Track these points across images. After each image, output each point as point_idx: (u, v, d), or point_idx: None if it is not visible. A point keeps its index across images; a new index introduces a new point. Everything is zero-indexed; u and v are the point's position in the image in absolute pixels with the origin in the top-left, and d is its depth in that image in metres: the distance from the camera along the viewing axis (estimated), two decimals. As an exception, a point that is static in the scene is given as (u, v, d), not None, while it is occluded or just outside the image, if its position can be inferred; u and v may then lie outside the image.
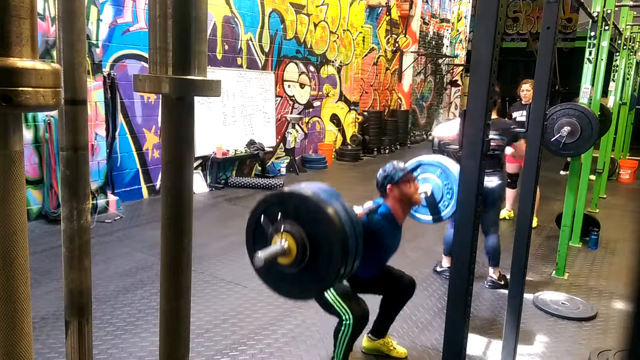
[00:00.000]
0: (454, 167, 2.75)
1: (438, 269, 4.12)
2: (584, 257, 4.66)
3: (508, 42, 17.47)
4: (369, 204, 2.55)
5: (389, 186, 2.50)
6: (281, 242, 1.70)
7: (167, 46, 0.86)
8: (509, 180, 5.67)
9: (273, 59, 7.79)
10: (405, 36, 11.44)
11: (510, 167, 5.59)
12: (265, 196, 1.85)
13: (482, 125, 1.55)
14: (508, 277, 3.16)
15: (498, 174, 3.70)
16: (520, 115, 5.31)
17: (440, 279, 3.95)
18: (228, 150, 6.89)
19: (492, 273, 3.86)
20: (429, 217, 2.87)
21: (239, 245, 4.49)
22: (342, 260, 1.70)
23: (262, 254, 1.63)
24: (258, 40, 7.44)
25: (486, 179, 3.44)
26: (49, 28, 4.73)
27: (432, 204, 2.82)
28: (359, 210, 2.39)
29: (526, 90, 5.25)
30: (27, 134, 4.73)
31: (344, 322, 2.38)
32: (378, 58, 10.91)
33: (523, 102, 5.31)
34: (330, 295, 2.39)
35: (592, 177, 5.91)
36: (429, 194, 2.76)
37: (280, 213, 1.74)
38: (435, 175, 2.80)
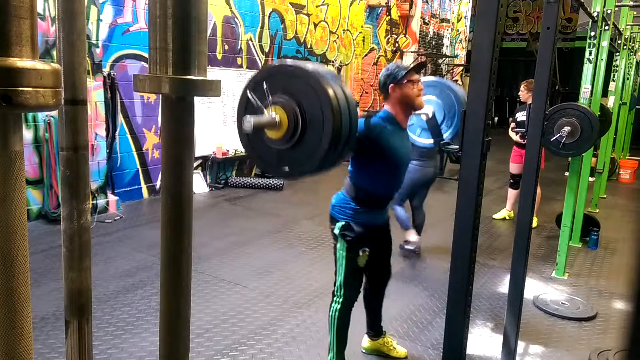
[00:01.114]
0: (455, 87, 2.66)
1: (406, 246, 4.29)
2: (584, 257, 4.66)
3: (508, 42, 17.48)
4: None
5: (391, 86, 2.34)
6: (272, 114, 1.67)
7: (167, 46, 0.86)
8: (511, 180, 5.68)
9: (273, 59, 7.79)
10: (405, 36, 11.44)
11: (513, 168, 5.60)
12: (263, 67, 1.82)
13: (482, 126, 1.55)
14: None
15: (434, 160, 4.37)
16: (521, 116, 5.31)
17: (441, 280, 3.95)
18: (228, 150, 6.89)
19: (411, 237, 4.37)
20: (430, 140, 2.77)
21: (239, 245, 4.51)
22: (331, 145, 1.65)
23: (251, 119, 1.59)
24: (258, 40, 7.44)
25: (427, 164, 4.20)
26: (49, 28, 4.73)
27: (434, 126, 2.67)
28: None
29: (520, 92, 5.30)
30: (27, 134, 4.73)
31: (334, 299, 2.44)
32: (378, 58, 10.91)
33: (522, 101, 5.33)
34: (341, 264, 2.39)
35: (591, 178, 5.91)
36: (430, 115, 2.62)
37: (275, 85, 1.69)
38: (434, 96, 2.68)
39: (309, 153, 1.69)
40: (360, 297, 2.57)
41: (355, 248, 2.37)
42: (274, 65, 1.79)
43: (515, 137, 5.50)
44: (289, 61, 1.78)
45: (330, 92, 1.63)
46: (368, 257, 2.42)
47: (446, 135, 2.70)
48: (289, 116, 1.65)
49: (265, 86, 1.69)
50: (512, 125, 5.53)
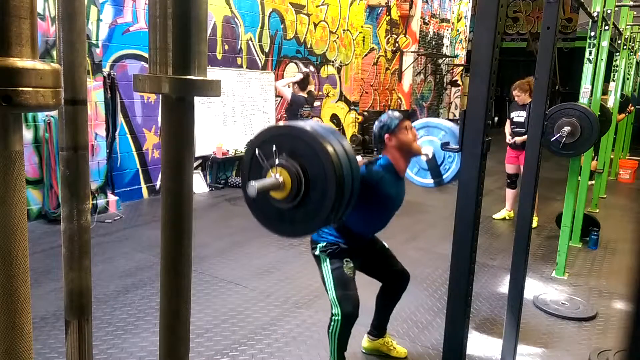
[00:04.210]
0: (457, 131, 2.70)
1: None
2: (584, 257, 4.66)
3: (508, 42, 17.49)
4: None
5: (386, 136, 2.42)
6: (276, 176, 1.70)
7: (167, 46, 0.86)
8: (508, 180, 5.69)
9: (273, 59, 7.79)
10: (405, 36, 11.44)
11: (510, 168, 5.61)
12: (262, 130, 1.83)
13: (482, 126, 1.55)
14: None
15: None
16: (517, 116, 5.32)
17: (440, 279, 3.95)
18: (228, 150, 6.89)
19: None
20: (430, 181, 2.82)
21: (239, 245, 4.51)
22: (336, 200, 1.68)
23: (255, 183, 1.62)
24: (258, 40, 7.44)
25: None
26: (49, 28, 4.73)
27: (434, 167, 2.74)
28: (358, 159, 2.36)
29: (516, 95, 5.30)
30: (27, 134, 4.73)
31: (333, 318, 2.39)
32: (378, 58, 10.91)
33: (520, 104, 5.32)
34: (328, 280, 2.39)
35: (591, 182, 5.91)
36: (430, 156, 2.68)
37: (275, 147, 1.72)
38: (438, 137, 2.73)
39: (313, 211, 1.72)
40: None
41: (338, 258, 2.40)
42: (273, 127, 1.82)
43: (509, 138, 5.51)
44: (289, 122, 1.83)
45: (330, 149, 1.66)
46: (354, 267, 2.43)
47: (446, 175, 2.74)
48: (292, 177, 1.68)
49: (274, 149, 1.73)
50: (508, 125, 5.52)
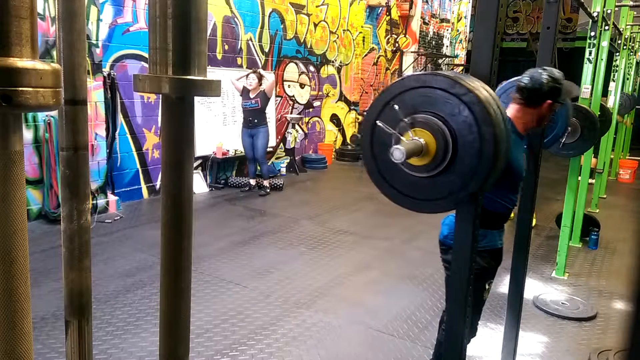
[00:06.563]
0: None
1: (262, 192, 6.42)
2: (584, 257, 4.66)
3: (508, 42, 17.48)
4: None
5: (549, 101, 2.03)
6: (416, 139, 1.36)
7: (167, 46, 0.86)
8: None
9: (273, 59, 7.79)
10: (405, 36, 11.43)
11: None
12: (402, 78, 1.46)
13: (482, 125, 1.55)
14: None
15: (265, 126, 6.51)
16: None
17: (440, 280, 3.95)
18: (228, 150, 6.89)
19: (267, 183, 6.55)
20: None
21: (239, 245, 4.51)
22: (493, 165, 1.32)
23: (402, 146, 1.30)
24: (258, 40, 7.44)
25: (259, 129, 6.41)
26: (49, 28, 4.73)
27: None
28: None
29: None
30: (27, 134, 4.72)
31: (442, 333, 2.20)
32: (378, 58, 10.91)
33: None
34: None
35: (591, 180, 5.90)
36: None
37: (410, 103, 1.38)
38: None
39: (458, 183, 1.40)
40: None
41: (481, 280, 2.09)
42: (404, 79, 1.44)
43: None
44: (422, 72, 1.53)
45: (483, 95, 1.32)
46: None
47: (547, 139, 2.55)
48: (437, 139, 1.36)
49: (397, 107, 1.38)
50: None
